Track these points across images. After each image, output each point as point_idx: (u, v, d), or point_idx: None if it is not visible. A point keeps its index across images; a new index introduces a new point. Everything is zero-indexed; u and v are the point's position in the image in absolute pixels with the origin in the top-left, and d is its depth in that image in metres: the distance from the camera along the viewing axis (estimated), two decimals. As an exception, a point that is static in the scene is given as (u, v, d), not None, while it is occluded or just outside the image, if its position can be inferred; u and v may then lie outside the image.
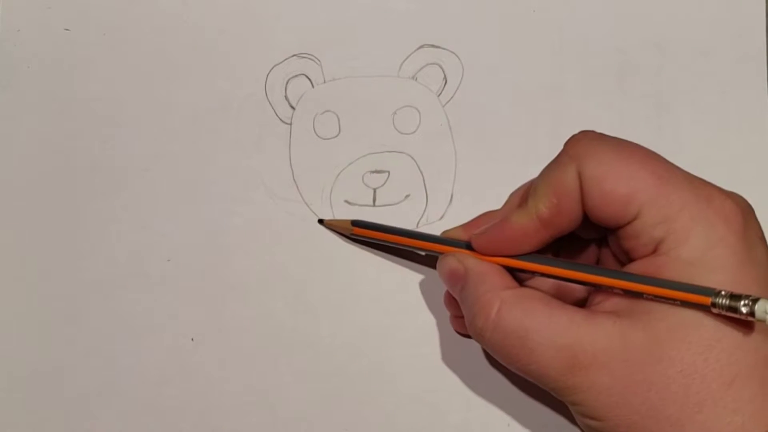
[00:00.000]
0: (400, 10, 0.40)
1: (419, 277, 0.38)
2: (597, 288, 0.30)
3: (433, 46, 0.40)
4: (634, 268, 0.29)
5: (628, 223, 0.29)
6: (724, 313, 0.26)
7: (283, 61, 0.40)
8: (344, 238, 0.38)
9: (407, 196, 0.38)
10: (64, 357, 0.37)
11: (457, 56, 0.40)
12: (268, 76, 0.40)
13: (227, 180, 0.39)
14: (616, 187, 0.28)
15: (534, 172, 0.38)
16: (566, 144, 0.30)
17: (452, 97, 0.39)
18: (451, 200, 0.38)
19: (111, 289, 0.38)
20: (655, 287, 0.27)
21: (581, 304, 0.31)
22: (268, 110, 0.39)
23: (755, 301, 0.25)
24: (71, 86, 0.40)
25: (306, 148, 0.39)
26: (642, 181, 0.28)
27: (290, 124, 0.39)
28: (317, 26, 0.40)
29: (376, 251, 0.38)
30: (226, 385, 0.37)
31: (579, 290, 0.33)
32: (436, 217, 0.38)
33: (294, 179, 0.39)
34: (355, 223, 0.37)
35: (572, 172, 0.29)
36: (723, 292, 0.26)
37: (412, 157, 0.39)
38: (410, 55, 0.40)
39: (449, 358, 0.37)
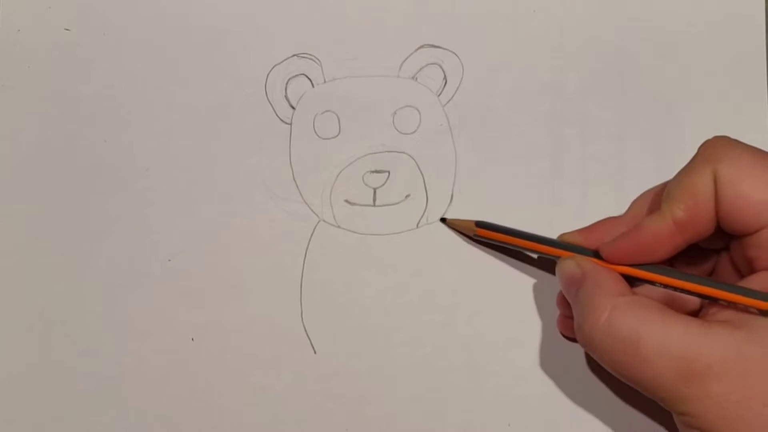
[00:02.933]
0: (400, 10, 0.40)
1: (417, 279, 0.38)
2: (729, 304, 0.29)
3: (433, 46, 0.40)
4: (759, 279, 0.29)
5: (757, 231, 0.28)
6: None
7: (283, 61, 0.40)
8: (465, 236, 0.37)
9: (407, 196, 0.38)
10: (64, 357, 0.37)
11: (457, 56, 0.40)
12: (268, 76, 0.40)
13: (227, 180, 0.39)
14: (750, 192, 0.28)
15: (533, 172, 0.38)
16: (701, 147, 0.30)
17: (452, 97, 0.39)
18: (451, 200, 0.38)
19: (111, 289, 0.38)
20: None
21: (693, 314, 0.31)
22: (268, 110, 0.39)
23: None
24: (71, 86, 0.40)
25: (306, 148, 0.39)
26: None
27: (290, 124, 0.39)
28: (317, 26, 0.40)
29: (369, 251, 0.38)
30: (226, 385, 0.37)
31: (692, 302, 0.32)
32: (436, 217, 0.38)
33: (294, 179, 0.39)
34: (479, 224, 0.36)
35: (708, 174, 0.29)
36: None
37: (412, 157, 0.39)
38: (410, 55, 0.40)
39: (450, 358, 0.37)
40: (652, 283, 0.31)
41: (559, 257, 0.33)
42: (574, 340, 0.35)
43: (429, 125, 0.39)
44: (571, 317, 0.32)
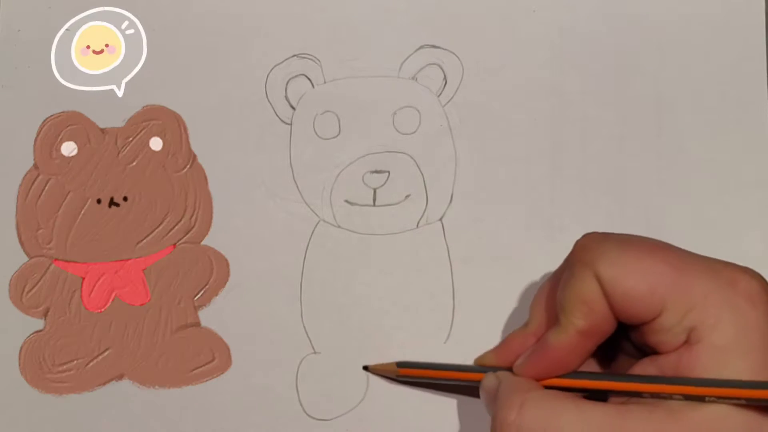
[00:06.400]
0: (400, 10, 0.40)
1: (417, 279, 0.38)
2: (654, 397, 0.29)
3: (433, 46, 0.40)
4: (668, 362, 0.29)
5: (654, 318, 0.28)
6: None
7: (283, 61, 0.40)
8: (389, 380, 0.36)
9: (407, 196, 0.38)
10: (64, 357, 0.37)
11: (457, 56, 0.40)
12: (268, 76, 0.40)
13: (227, 180, 0.39)
14: (635, 285, 0.28)
15: (533, 172, 0.38)
16: (575, 251, 0.30)
17: (452, 98, 0.39)
18: (451, 200, 0.38)
19: (111, 289, 0.38)
20: (724, 388, 0.27)
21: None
22: (268, 110, 0.39)
23: None
24: (71, 86, 0.40)
25: (306, 148, 0.39)
26: (660, 275, 0.28)
27: (290, 124, 0.39)
28: (317, 26, 0.40)
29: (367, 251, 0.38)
30: (226, 386, 0.37)
31: None
32: (436, 217, 0.38)
33: (294, 179, 0.39)
34: (401, 365, 0.36)
35: (590, 278, 0.29)
36: None
37: (412, 157, 0.39)
38: (410, 55, 0.40)
39: (449, 358, 0.37)
40: (570, 389, 0.31)
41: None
42: None
43: (429, 125, 0.39)
44: None
